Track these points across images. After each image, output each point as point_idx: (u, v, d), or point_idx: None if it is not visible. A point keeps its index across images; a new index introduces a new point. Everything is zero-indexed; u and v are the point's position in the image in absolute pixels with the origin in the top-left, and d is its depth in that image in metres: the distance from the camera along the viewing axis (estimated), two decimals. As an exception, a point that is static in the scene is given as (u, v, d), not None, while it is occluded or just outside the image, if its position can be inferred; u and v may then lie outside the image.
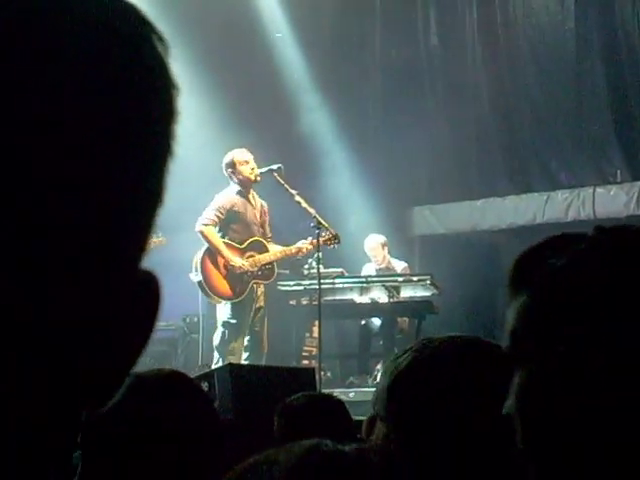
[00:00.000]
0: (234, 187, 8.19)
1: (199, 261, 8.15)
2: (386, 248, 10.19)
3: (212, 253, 8.16)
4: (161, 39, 0.56)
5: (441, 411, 1.52)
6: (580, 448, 1.15)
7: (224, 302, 8.17)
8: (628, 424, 1.12)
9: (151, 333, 0.56)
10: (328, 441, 0.89)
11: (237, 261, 8.11)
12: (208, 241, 8.11)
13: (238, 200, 8.16)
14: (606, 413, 1.12)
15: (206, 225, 8.08)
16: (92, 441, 1.65)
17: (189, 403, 1.76)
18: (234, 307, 8.13)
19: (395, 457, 0.91)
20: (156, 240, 8.54)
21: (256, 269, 8.19)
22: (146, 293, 0.55)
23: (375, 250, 10.11)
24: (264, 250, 8.29)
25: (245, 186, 8.17)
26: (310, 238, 8.34)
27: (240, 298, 8.11)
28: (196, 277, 8.16)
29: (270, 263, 8.30)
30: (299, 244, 8.39)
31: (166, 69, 0.56)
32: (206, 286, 8.12)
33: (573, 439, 1.15)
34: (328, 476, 0.84)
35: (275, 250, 8.37)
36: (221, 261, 8.14)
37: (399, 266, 10.16)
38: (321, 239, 8.15)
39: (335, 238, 8.23)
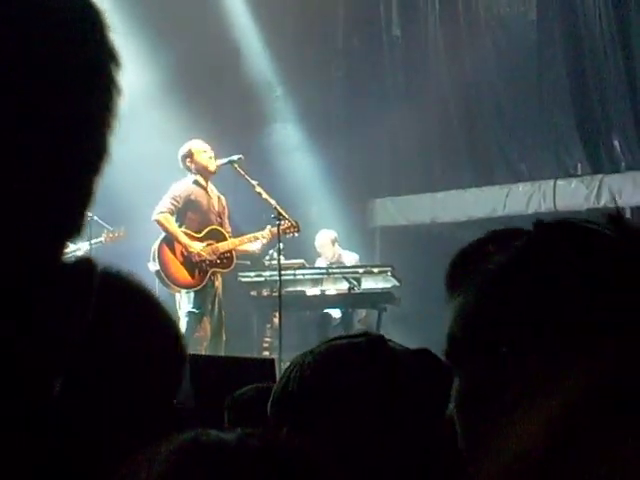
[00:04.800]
0: (191, 177, 8.10)
1: (156, 249, 8.01)
2: (336, 244, 10.24)
3: (170, 241, 8.03)
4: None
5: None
6: (519, 456, 1.07)
7: (184, 291, 8.07)
8: (566, 431, 1.03)
9: (85, 314, 0.52)
10: (211, 431, 0.87)
11: (195, 247, 8.01)
12: (165, 229, 7.99)
13: (195, 189, 8.07)
14: (545, 421, 1.04)
15: (162, 213, 7.96)
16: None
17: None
18: (196, 296, 8.02)
19: (280, 441, 0.89)
20: (117, 233, 8.44)
21: (214, 257, 8.09)
22: (72, 279, 0.51)
23: (325, 247, 10.18)
24: (222, 239, 8.20)
25: (203, 176, 8.08)
26: (269, 227, 8.27)
27: (200, 286, 8.02)
28: (154, 266, 8.03)
29: (229, 251, 8.21)
30: (257, 233, 8.34)
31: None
32: (164, 275, 7.99)
33: (511, 447, 1.07)
34: (206, 467, 0.83)
35: (234, 239, 8.29)
36: (179, 248, 8.02)
37: (350, 259, 10.16)
38: (281, 227, 8.08)
39: (294, 227, 8.16)
